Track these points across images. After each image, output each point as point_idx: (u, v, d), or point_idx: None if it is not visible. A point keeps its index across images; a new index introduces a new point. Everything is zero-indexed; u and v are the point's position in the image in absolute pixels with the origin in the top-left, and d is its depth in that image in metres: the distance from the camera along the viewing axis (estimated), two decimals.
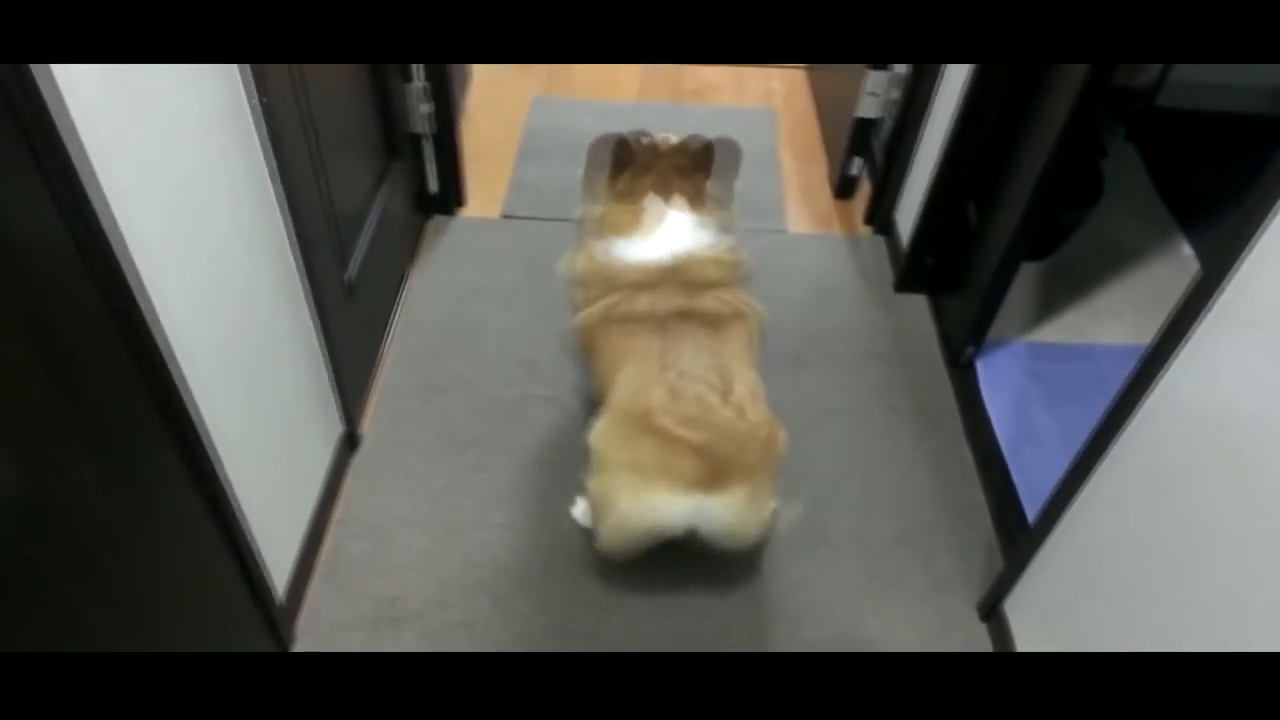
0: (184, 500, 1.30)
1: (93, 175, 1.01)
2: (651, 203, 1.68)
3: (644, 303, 1.62)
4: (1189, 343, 1.23)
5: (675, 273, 1.63)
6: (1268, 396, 1.08)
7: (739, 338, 1.65)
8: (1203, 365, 1.22)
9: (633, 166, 1.69)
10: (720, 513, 1.52)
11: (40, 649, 0.98)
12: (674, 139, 1.74)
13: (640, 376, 1.57)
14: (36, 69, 0.90)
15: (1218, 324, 1.19)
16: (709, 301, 1.64)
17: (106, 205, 1.04)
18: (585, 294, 1.72)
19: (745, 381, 1.58)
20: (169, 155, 1.21)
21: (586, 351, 1.75)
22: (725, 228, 1.71)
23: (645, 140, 1.71)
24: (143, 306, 1.13)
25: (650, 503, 1.51)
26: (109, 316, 1.08)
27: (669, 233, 1.67)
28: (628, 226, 1.67)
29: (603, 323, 1.66)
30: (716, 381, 1.54)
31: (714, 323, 1.63)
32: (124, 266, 1.09)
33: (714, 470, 1.49)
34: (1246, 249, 1.13)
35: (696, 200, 1.69)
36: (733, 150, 1.70)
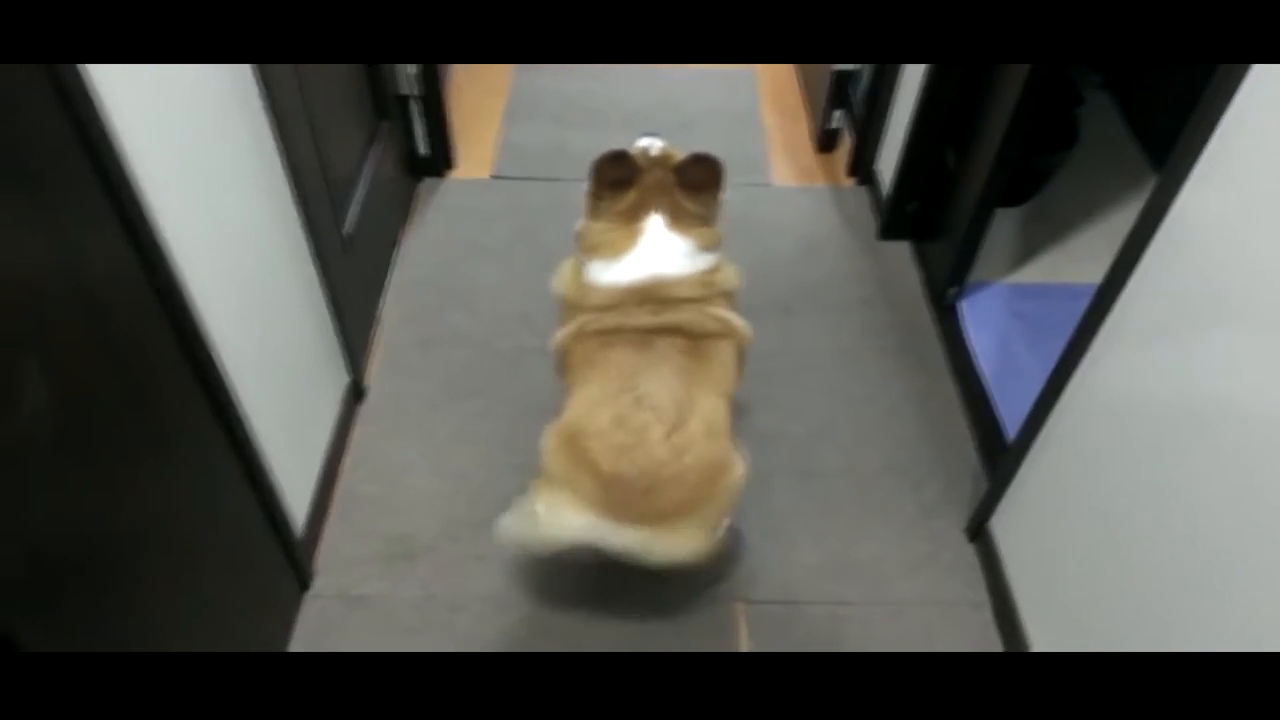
0: (204, 430, 1.35)
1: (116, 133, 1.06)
2: (639, 221, 1.59)
3: (622, 318, 1.55)
4: (1142, 264, 1.32)
5: (656, 292, 1.56)
6: (1209, 314, 1.17)
7: (719, 360, 1.58)
8: (1155, 286, 1.30)
9: (624, 184, 1.59)
10: (618, 541, 1.48)
11: (72, 562, 1.04)
12: (656, 148, 1.67)
13: (598, 393, 1.51)
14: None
15: (1164, 248, 1.27)
16: (693, 316, 1.56)
17: (127, 158, 1.09)
18: (566, 314, 1.65)
19: (705, 416, 1.49)
20: (175, 101, 1.26)
21: (561, 370, 1.67)
22: (710, 246, 1.62)
23: (639, 151, 1.64)
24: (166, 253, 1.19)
25: (552, 516, 1.48)
26: (136, 259, 1.14)
27: (650, 252, 1.58)
28: (613, 244, 1.59)
29: (579, 337, 1.59)
30: (671, 414, 1.46)
31: (696, 341, 1.56)
32: (146, 225, 1.14)
33: (617, 503, 1.44)
34: (1187, 177, 1.21)
35: (679, 217, 1.59)
36: (714, 167, 1.61)
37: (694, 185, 1.59)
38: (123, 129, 1.08)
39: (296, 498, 1.73)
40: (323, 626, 1.71)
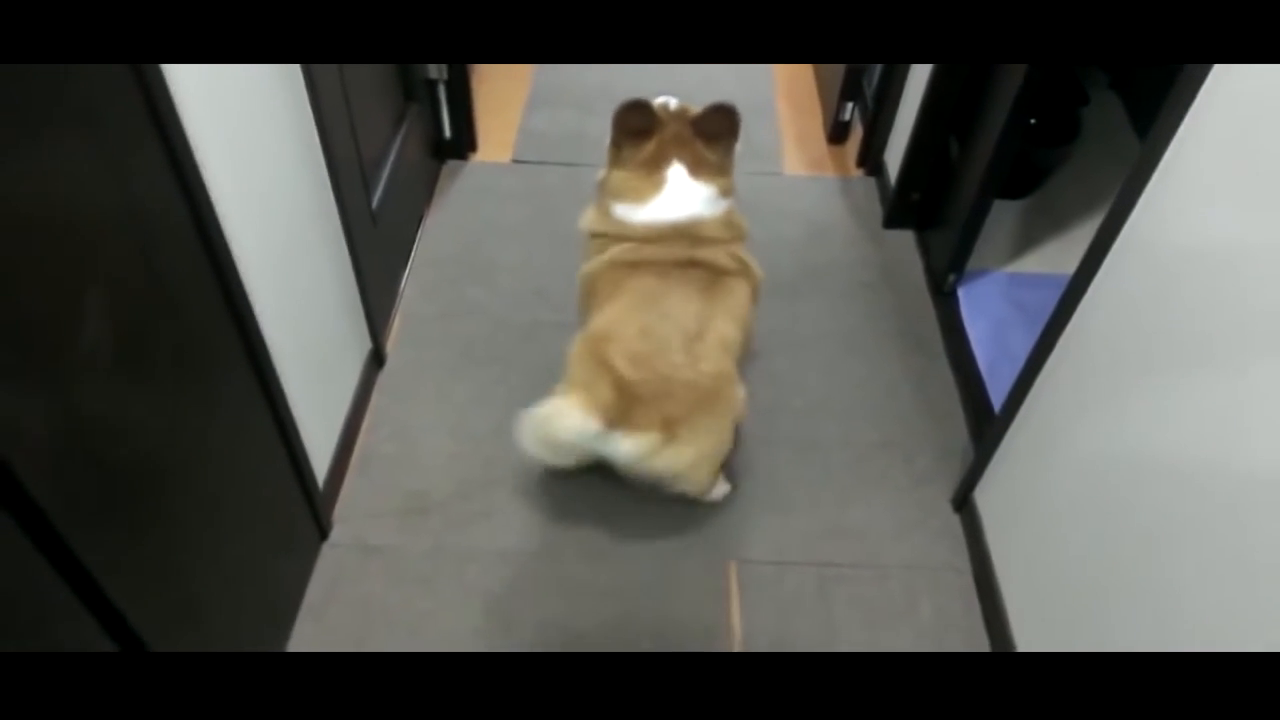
0: (240, 377, 1.47)
1: (178, 114, 1.18)
2: (661, 170, 1.71)
3: (650, 251, 1.69)
4: (1107, 259, 1.42)
5: (689, 231, 1.69)
6: (1163, 308, 1.27)
7: (735, 294, 1.69)
8: (1116, 281, 1.40)
9: (644, 133, 1.71)
10: (624, 448, 1.57)
11: (124, 481, 1.16)
12: (673, 104, 1.79)
13: (626, 308, 1.63)
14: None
15: (1127, 248, 1.37)
16: (715, 254, 1.68)
17: (184, 119, 1.20)
18: (596, 248, 1.79)
19: (720, 333, 1.61)
20: (228, 73, 1.37)
21: (586, 299, 1.79)
22: (726, 192, 1.75)
23: (658, 105, 1.75)
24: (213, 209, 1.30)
25: (561, 415, 1.59)
26: (188, 212, 1.25)
27: (675, 197, 1.70)
28: (638, 191, 1.71)
29: (608, 267, 1.72)
30: (692, 326, 1.58)
31: (717, 274, 1.68)
32: (201, 185, 1.26)
33: (628, 407, 1.54)
34: (1149, 182, 1.30)
35: (699, 166, 1.71)
36: (732, 116, 1.72)
37: (712, 134, 1.71)
38: (180, 91, 1.18)
39: (319, 452, 1.84)
40: (339, 573, 1.82)
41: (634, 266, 1.69)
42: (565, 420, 1.60)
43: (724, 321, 1.65)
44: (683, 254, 1.67)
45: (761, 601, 1.79)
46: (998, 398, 2.09)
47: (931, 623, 1.76)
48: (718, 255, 1.69)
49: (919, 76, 2.44)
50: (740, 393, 1.67)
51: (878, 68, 2.71)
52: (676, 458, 1.63)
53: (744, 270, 1.74)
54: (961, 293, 2.40)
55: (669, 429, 1.58)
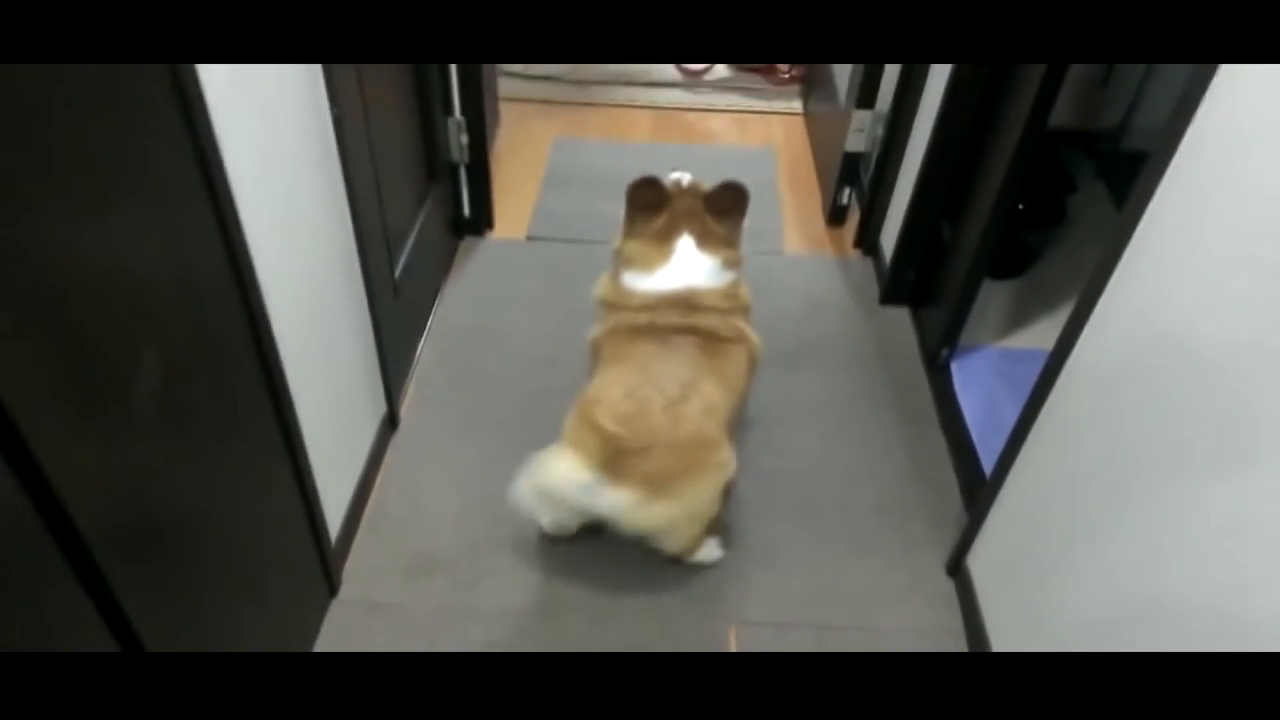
0: (268, 432, 1.55)
1: (229, 182, 1.31)
2: (670, 241, 1.82)
3: (647, 318, 1.78)
4: (1083, 334, 1.53)
5: (688, 300, 1.79)
6: (1134, 376, 1.36)
7: (731, 361, 1.77)
8: (1093, 353, 1.51)
9: (656, 207, 1.83)
10: (607, 500, 1.63)
11: (163, 525, 1.23)
12: (686, 180, 1.91)
13: (616, 375, 1.73)
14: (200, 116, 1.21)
15: (1100, 324, 1.48)
16: (715, 321, 1.77)
17: (235, 191, 1.33)
18: (604, 315, 1.91)
19: (705, 397, 1.66)
20: (274, 149, 1.50)
21: (593, 363, 1.92)
22: (731, 264, 1.85)
23: (671, 182, 1.88)
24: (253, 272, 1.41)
25: (552, 462, 1.66)
26: (231, 272, 1.36)
27: (681, 268, 1.80)
28: (648, 260, 1.82)
29: (610, 333, 1.83)
30: (674, 391, 1.63)
31: (710, 340, 1.75)
32: (246, 254, 1.38)
33: (614, 461, 1.60)
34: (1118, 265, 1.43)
35: (707, 239, 1.81)
36: (741, 193, 1.85)
37: (722, 209, 1.83)
38: (232, 162, 1.30)
39: (333, 510, 1.91)
40: (346, 629, 1.87)
41: (634, 332, 1.78)
42: (556, 466, 1.67)
43: (711, 386, 1.70)
44: (679, 321, 1.76)
45: None
46: (988, 465, 2.16)
47: None
48: (716, 323, 1.78)
49: (911, 164, 2.59)
50: (727, 456, 1.71)
51: (872, 155, 2.87)
52: (656, 515, 1.67)
53: (740, 337, 1.82)
54: (954, 366, 2.49)
55: (651, 486, 1.63)
